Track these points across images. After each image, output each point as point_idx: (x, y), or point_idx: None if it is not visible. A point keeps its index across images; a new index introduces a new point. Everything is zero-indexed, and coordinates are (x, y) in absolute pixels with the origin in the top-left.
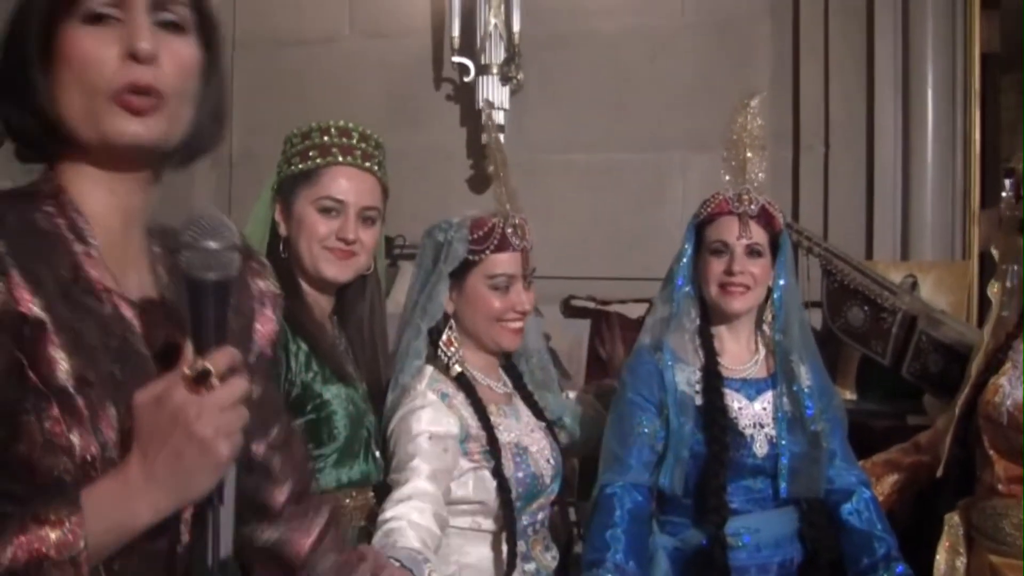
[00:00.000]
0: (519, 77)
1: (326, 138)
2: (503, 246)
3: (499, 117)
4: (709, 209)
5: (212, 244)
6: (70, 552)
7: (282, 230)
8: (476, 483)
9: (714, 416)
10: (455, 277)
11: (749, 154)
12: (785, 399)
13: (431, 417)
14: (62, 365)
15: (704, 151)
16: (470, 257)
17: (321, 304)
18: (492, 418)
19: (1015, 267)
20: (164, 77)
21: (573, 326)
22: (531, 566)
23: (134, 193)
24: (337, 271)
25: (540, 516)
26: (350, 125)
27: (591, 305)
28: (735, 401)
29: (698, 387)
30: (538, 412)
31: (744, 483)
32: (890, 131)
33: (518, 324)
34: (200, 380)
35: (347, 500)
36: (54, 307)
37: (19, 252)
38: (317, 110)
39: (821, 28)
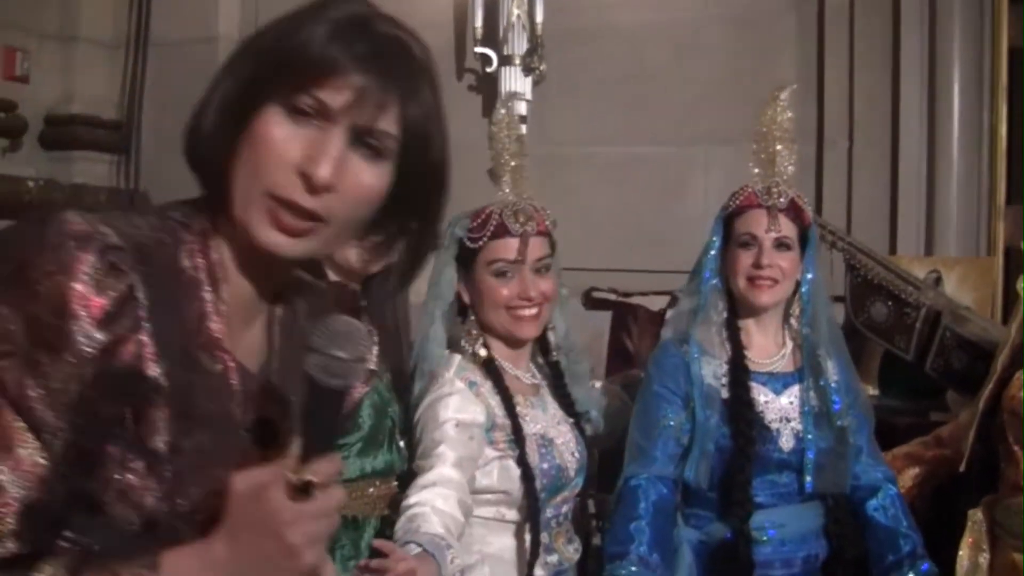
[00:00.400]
0: (542, 68)
1: None
2: (500, 232)
3: (521, 108)
4: (738, 202)
5: (341, 353)
6: None
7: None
8: (501, 472)
9: (740, 410)
10: (466, 269)
11: (779, 147)
12: (812, 394)
13: (458, 405)
14: (161, 433)
15: (727, 145)
16: (471, 245)
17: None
18: (518, 408)
19: None
20: (333, 205)
21: (594, 318)
22: (553, 558)
23: (278, 262)
24: (368, 264)
25: (564, 509)
26: None
27: (612, 297)
28: (762, 395)
29: (724, 380)
30: (568, 406)
31: (769, 477)
32: (915, 126)
33: (529, 311)
34: (302, 491)
35: (371, 489)
36: (173, 372)
37: (157, 304)
38: None
39: (846, 22)
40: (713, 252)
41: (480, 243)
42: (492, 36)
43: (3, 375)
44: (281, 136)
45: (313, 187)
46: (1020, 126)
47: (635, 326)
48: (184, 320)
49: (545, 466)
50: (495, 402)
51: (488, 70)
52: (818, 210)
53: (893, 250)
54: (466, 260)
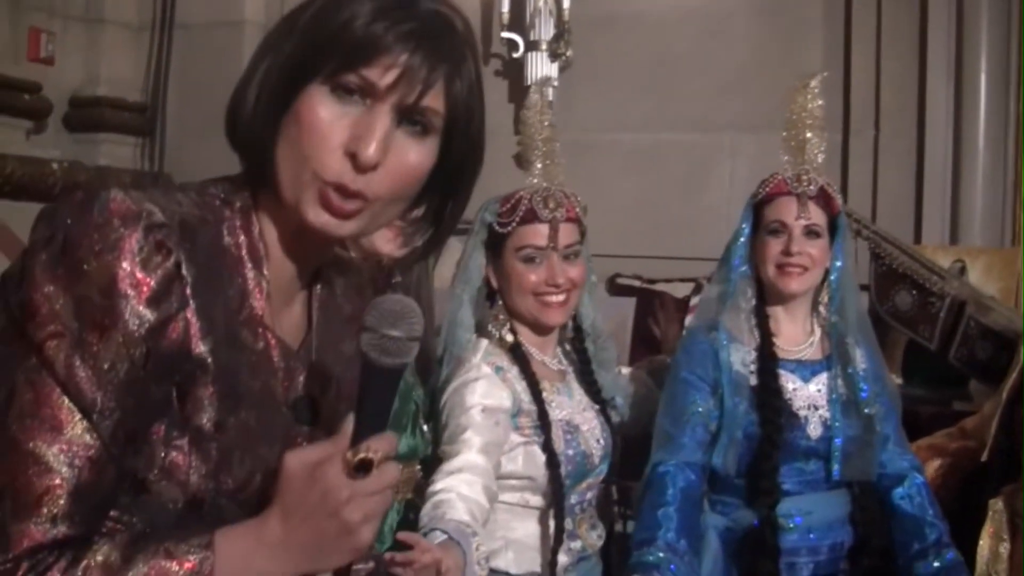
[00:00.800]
0: (568, 54)
1: None
2: (529, 218)
3: (547, 94)
4: (768, 189)
5: (394, 332)
6: None
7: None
8: (526, 458)
9: (768, 397)
10: (494, 254)
11: (809, 135)
12: (840, 381)
13: (485, 390)
14: (207, 411)
15: (752, 133)
16: (500, 231)
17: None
18: (545, 394)
19: None
20: (379, 184)
21: (618, 304)
22: (576, 544)
23: (321, 240)
24: (393, 247)
25: (588, 495)
26: None
27: (637, 284)
28: (790, 382)
29: (753, 367)
30: (594, 392)
31: (797, 465)
32: (941, 115)
33: (557, 298)
34: (361, 469)
35: None
36: (218, 350)
37: (202, 281)
38: None
39: (873, 10)
40: (742, 239)
41: (509, 228)
42: (519, 21)
43: (52, 355)
44: (327, 117)
45: (361, 167)
46: None
47: (662, 312)
48: (227, 298)
49: (570, 452)
50: (521, 387)
51: (514, 56)
52: (844, 198)
53: (918, 239)
54: (495, 245)
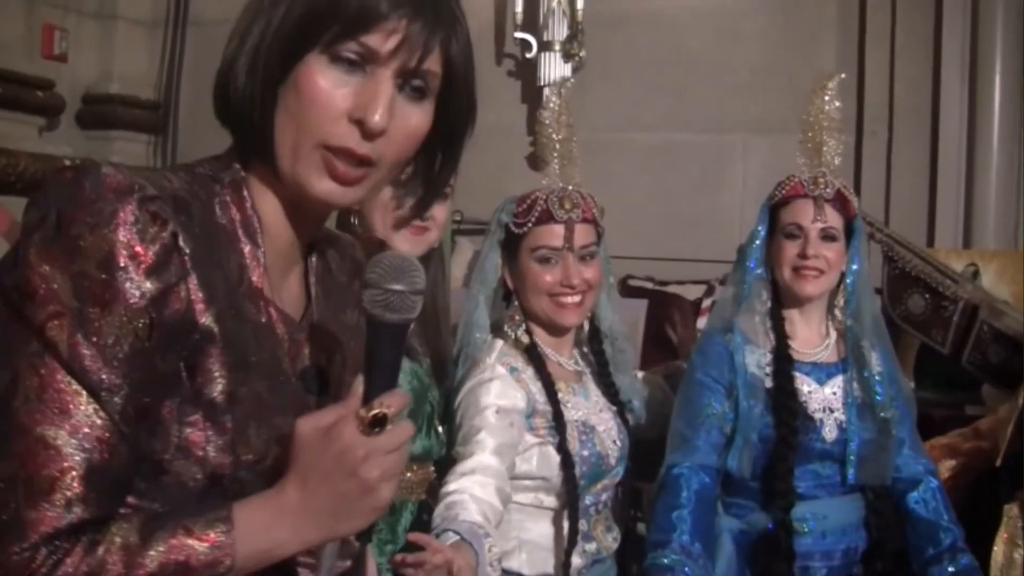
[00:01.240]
0: (581, 54)
1: None
2: (545, 218)
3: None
4: (784, 191)
5: (396, 286)
6: (217, 570)
7: (355, 205)
8: (540, 458)
9: (783, 399)
10: (511, 254)
11: (825, 137)
12: (855, 384)
13: (499, 390)
14: (219, 381)
15: (766, 134)
16: (516, 231)
17: None
18: (560, 395)
19: None
20: (385, 148)
21: (630, 306)
22: (591, 546)
23: (317, 212)
24: (411, 247)
25: (604, 497)
26: None
27: (648, 286)
28: (805, 385)
29: (768, 370)
30: (612, 394)
31: (812, 468)
32: (955, 118)
33: (573, 299)
34: (376, 424)
35: (408, 474)
36: (223, 318)
37: (200, 253)
38: None
39: (888, 12)
40: (758, 242)
41: (525, 229)
42: (532, 22)
43: (55, 336)
44: (329, 86)
45: (369, 134)
46: None
47: (680, 316)
48: (226, 272)
49: (585, 453)
50: (536, 388)
51: (528, 56)
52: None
53: (931, 242)
54: (511, 245)
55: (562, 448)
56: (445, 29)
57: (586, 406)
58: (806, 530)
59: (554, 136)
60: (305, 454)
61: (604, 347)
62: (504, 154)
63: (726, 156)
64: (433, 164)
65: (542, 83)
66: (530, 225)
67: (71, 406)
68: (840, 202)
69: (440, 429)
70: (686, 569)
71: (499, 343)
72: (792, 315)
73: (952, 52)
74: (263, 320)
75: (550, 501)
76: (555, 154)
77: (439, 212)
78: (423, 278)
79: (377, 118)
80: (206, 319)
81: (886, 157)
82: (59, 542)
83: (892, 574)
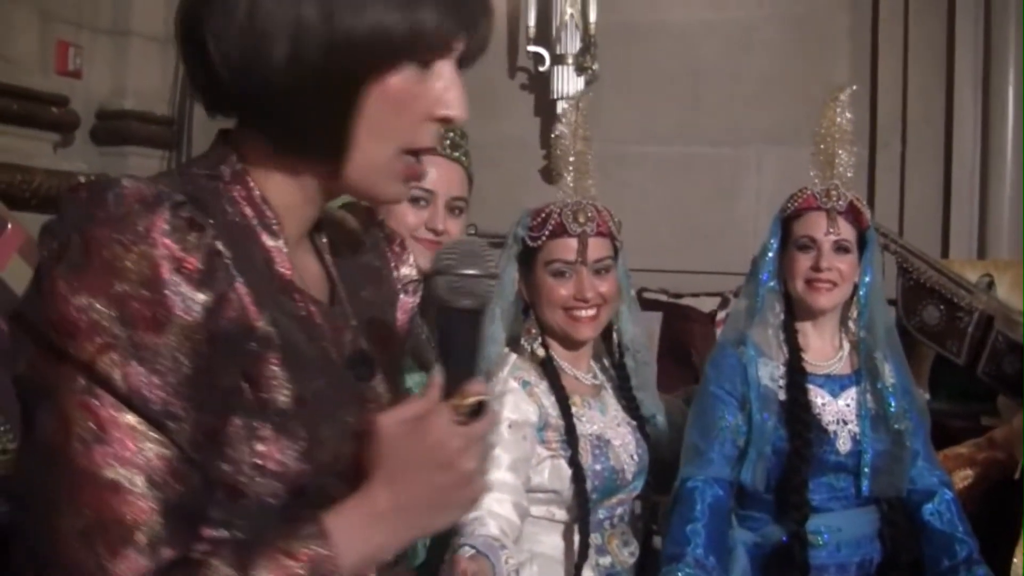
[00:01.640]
0: (594, 68)
1: None
2: (559, 231)
3: (568, 116)
4: (796, 204)
5: (471, 271)
6: None
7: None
8: (552, 472)
9: (797, 412)
10: (526, 267)
11: (838, 149)
12: (869, 396)
13: (512, 404)
14: (284, 387)
15: (780, 145)
16: (531, 244)
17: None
18: (574, 408)
19: None
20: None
21: (645, 319)
22: (606, 560)
23: (323, 191)
24: (425, 261)
25: (619, 511)
26: None
27: (663, 298)
28: (818, 397)
29: (781, 382)
30: (632, 408)
31: (826, 480)
32: (969, 128)
33: (587, 312)
34: (475, 413)
35: None
36: (276, 319)
37: (237, 255)
38: None
39: (901, 23)
40: (771, 254)
41: (539, 242)
42: (545, 35)
43: (107, 370)
44: (417, 90)
45: (450, 128)
46: None
47: (701, 336)
48: (258, 269)
49: (598, 467)
50: (549, 402)
51: (540, 69)
52: (870, 212)
53: (945, 253)
54: (527, 259)
55: (574, 462)
56: (489, 15)
57: (602, 420)
58: (821, 543)
59: (570, 149)
60: (392, 451)
61: (626, 360)
62: (517, 167)
63: (740, 168)
64: None
65: (555, 96)
66: (544, 238)
67: (136, 441)
68: (853, 214)
69: None
70: None
71: (513, 357)
72: (805, 327)
73: (965, 63)
74: (303, 313)
75: (562, 514)
76: (570, 167)
77: (453, 226)
78: (492, 261)
79: (464, 112)
80: (261, 323)
81: (900, 168)
82: None
83: None
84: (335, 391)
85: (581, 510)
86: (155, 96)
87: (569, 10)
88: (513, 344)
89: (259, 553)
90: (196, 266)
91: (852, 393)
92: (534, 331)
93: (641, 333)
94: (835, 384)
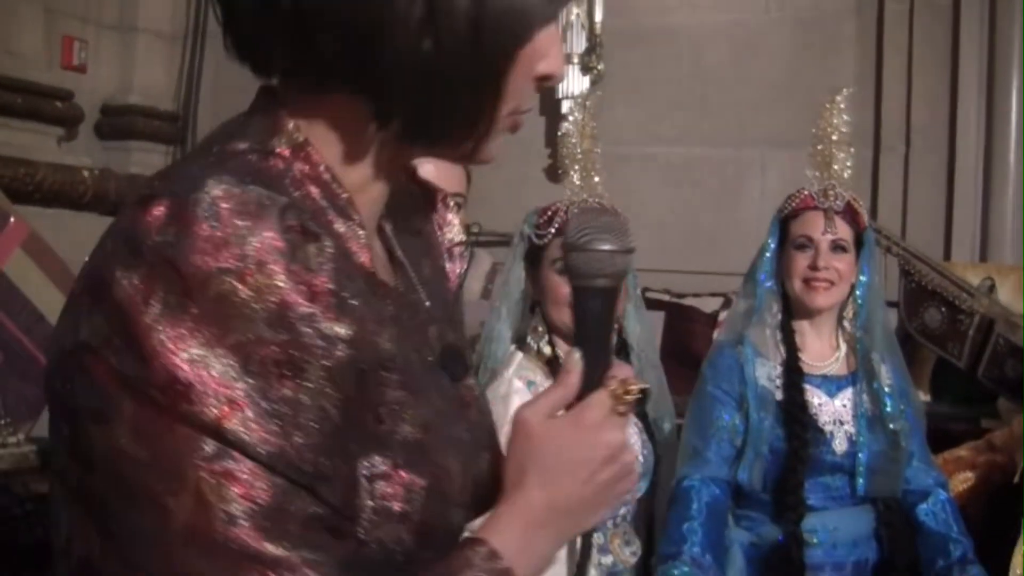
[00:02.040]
0: (599, 67)
1: None
2: (564, 229)
3: (575, 114)
4: (794, 204)
5: (606, 247)
6: None
7: None
8: None
9: (794, 412)
10: (533, 265)
11: (835, 150)
12: (865, 397)
13: (517, 406)
14: (407, 413)
15: (785, 148)
16: (538, 242)
17: None
18: None
19: None
20: None
21: (647, 319)
22: (608, 559)
23: (403, 162)
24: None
25: (622, 511)
26: None
27: (665, 298)
28: (815, 397)
29: (779, 382)
30: (638, 408)
31: (822, 480)
32: (972, 132)
33: None
34: (640, 402)
35: None
36: (394, 334)
37: (339, 255)
38: None
39: (905, 28)
40: (768, 255)
41: (546, 240)
42: None
43: (240, 434)
44: (557, 51)
45: (555, 82)
46: None
47: (697, 327)
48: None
49: None
50: None
51: None
52: (874, 215)
53: (948, 256)
54: (534, 257)
55: None
56: None
57: None
58: (817, 542)
59: (577, 147)
60: (548, 449)
61: (631, 360)
62: (522, 167)
63: (745, 171)
64: None
65: (560, 96)
66: (551, 236)
67: (287, 507)
68: (850, 214)
69: None
70: None
71: (519, 356)
72: (803, 327)
73: (969, 67)
74: (393, 313)
75: None
76: (577, 165)
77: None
78: (629, 234)
79: (560, 72)
80: (385, 341)
81: (903, 172)
82: None
83: None
84: (445, 402)
85: None
86: (160, 92)
87: (575, 11)
88: (520, 343)
89: None
90: (328, 287)
91: (849, 394)
92: (541, 329)
93: (647, 333)
94: (832, 385)
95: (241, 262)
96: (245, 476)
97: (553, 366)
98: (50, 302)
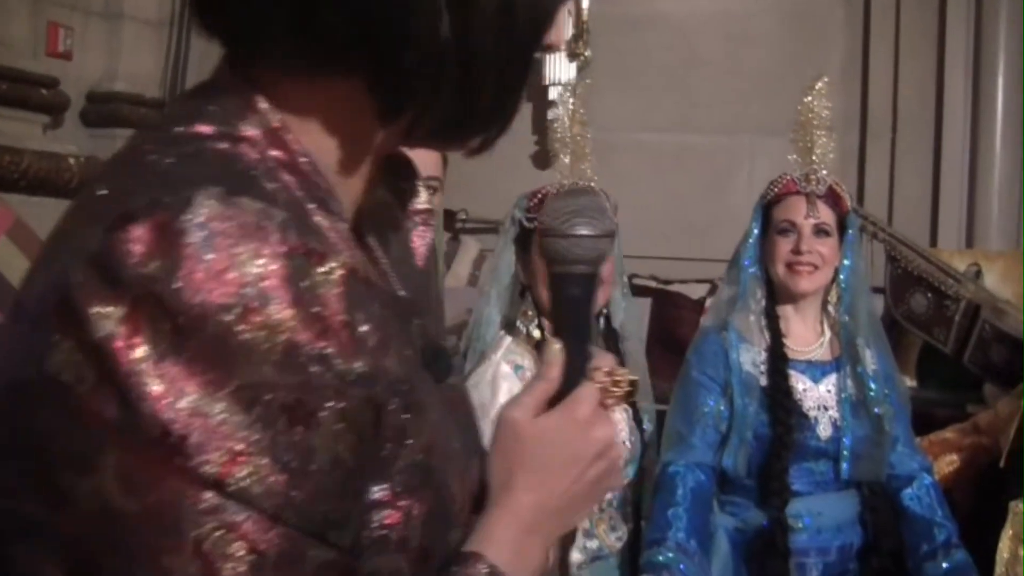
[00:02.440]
0: (586, 54)
1: None
2: (539, 214)
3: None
4: (777, 189)
5: (586, 231)
6: None
7: None
8: None
9: (779, 398)
10: (523, 249)
11: (816, 135)
12: (850, 382)
13: (505, 391)
14: (411, 435)
15: (774, 136)
16: (527, 225)
17: None
18: None
19: None
20: None
21: (633, 306)
22: (593, 543)
23: (391, 148)
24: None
25: (609, 496)
26: None
27: (652, 284)
28: (800, 383)
29: (763, 368)
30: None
31: (807, 465)
32: (959, 118)
33: None
34: (630, 395)
35: None
36: (396, 351)
37: (347, 284)
38: None
39: (893, 15)
40: (752, 240)
41: (536, 223)
42: None
43: (246, 487)
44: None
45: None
46: None
47: (686, 314)
48: None
49: None
50: None
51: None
52: (860, 201)
53: (934, 242)
54: (524, 240)
55: None
56: None
57: None
58: (801, 527)
59: (567, 131)
60: (537, 449)
61: (620, 345)
62: (508, 153)
63: (734, 158)
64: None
65: (547, 82)
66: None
67: (298, 560)
68: (833, 198)
69: None
70: (682, 567)
71: (508, 339)
72: (787, 312)
73: (956, 54)
74: (388, 317)
75: None
76: (567, 149)
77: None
78: (612, 217)
79: (564, 40)
80: (392, 362)
81: (890, 158)
82: None
83: (888, 570)
84: (440, 415)
85: None
86: (146, 79)
87: None
88: (509, 327)
89: None
90: (341, 319)
91: (833, 379)
92: (530, 313)
93: (632, 319)
94: (816, 370)
95: (241, 296)
96: (250, 528)
97: (542, 350)
98: None
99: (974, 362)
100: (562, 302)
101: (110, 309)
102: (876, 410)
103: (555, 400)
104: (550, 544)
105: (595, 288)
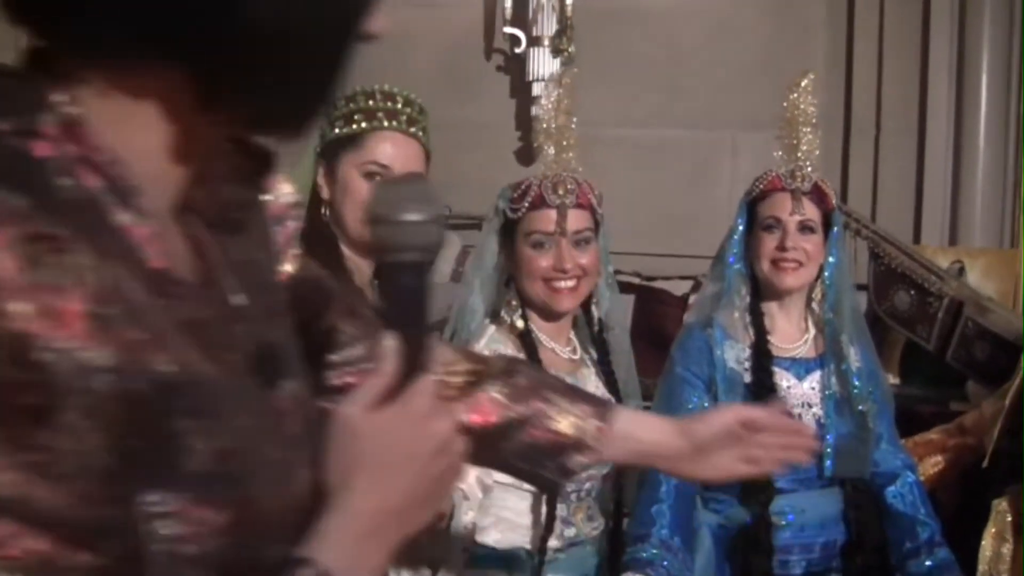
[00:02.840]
0: (570, 50)
1: (371, 102)
2: (538, 203)
3: (549, 89)
4: (762, 186)
5: (412, 216)
6: None
7: (325, 193)
8: None
9: (763, 395)
10: (508, 240)
11: (802, 132)
12: (834, 379)
13: None
14: (198, 440)
15: (756, 131)
16: (512, 216)
17: (363, 269)
18: None
19: None
20: None
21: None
22: (571, 531)
23: (218, 138)
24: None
25: (587, 485)
26: (394, 89)
27: (635, 280)
28: (784, 380)
29: (747, 365)
30: (611, 383)
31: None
32: (943, 115)
33: (567, 284)
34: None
35: None
36: (174, 347)
37: (105, 263)
38: (366, 78)
39: (876, 11)
40: (737, 237)
41: (520, 214)
42: (521, 17)
43: (4, 499)
44: None
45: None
46: None
47: (670, 310)
48: (123, 271)
49: None
50: None
51: (516, 51)
52: (844, 198)
53: (917, 239)
54: (508, 231)
55: None
56: None
57: None
58: (784, 523)
59: (552, 123)
60: (374, 448)
61: (606, 336)
62: (492, 149)
63: (716, 152)
64: None
65: (531, 78)
66: (524, 210)
67: (60, 570)
68: (818, 195)
69: None
70: (665, 563)
71: (491, 329)
72: (771, 309)
73: (940, 50)
74: (189, 317)
75: (529, 484)
76: (551, 141)
77: None
78: (440, 201)
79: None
80: (168, 359)
81: (873, 155)
82: None
83: (871, 568)
84: (255, 417)
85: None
86: None
87: None
88: (493, 316)
89: None
90: (80, 309)
91: (817, 376)
92: (515, 303)
93: (619, 311)
94: (800, 367)
95: None
96: (5, 536)
97: (525, 340)
98: None
99: (957, 359)
100: (394, 292)
101: None
102: (860, 407)
103: (394, 395)
104: (392, 550)
105: (429, 276)
